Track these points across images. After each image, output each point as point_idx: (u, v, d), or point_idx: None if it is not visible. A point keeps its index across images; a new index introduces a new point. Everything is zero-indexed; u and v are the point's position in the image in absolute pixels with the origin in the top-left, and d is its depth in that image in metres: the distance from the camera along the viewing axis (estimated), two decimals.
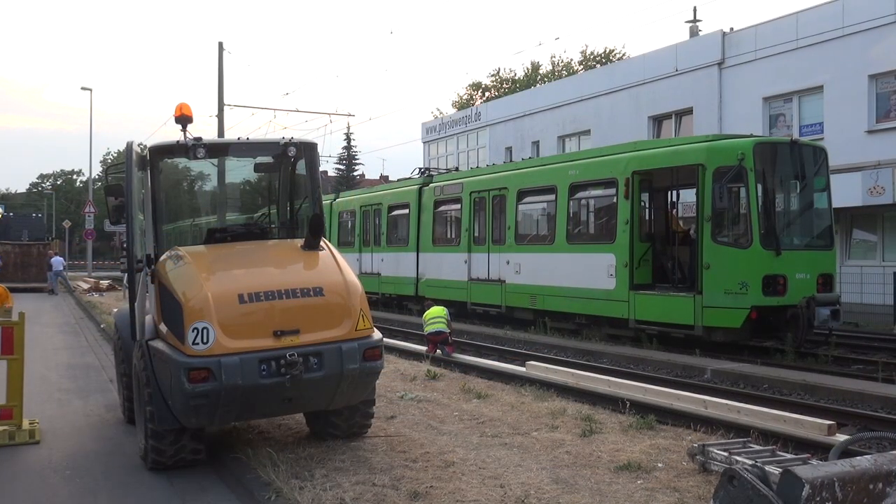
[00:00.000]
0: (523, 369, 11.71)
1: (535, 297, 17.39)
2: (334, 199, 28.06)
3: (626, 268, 14.83)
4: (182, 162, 7.81)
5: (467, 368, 12.10)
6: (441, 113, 54.70)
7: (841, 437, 7.40)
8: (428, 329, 13.60)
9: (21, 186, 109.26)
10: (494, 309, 18.86)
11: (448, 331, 13.56)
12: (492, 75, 57.71)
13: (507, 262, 18.34)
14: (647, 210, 15.65)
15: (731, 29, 24.79)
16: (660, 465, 6.01)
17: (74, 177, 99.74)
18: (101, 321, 18.94)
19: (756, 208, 13.21)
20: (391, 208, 23.75)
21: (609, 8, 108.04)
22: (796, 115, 22.52)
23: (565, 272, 16.44)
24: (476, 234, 19.76)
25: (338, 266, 6.41)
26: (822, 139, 19.92)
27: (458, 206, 20.45)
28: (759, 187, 13.42)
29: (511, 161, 29.47)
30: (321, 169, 8.73)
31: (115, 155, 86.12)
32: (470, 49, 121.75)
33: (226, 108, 28.85)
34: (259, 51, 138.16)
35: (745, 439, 6.54)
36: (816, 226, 14.44)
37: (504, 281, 18.40)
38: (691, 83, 25.50)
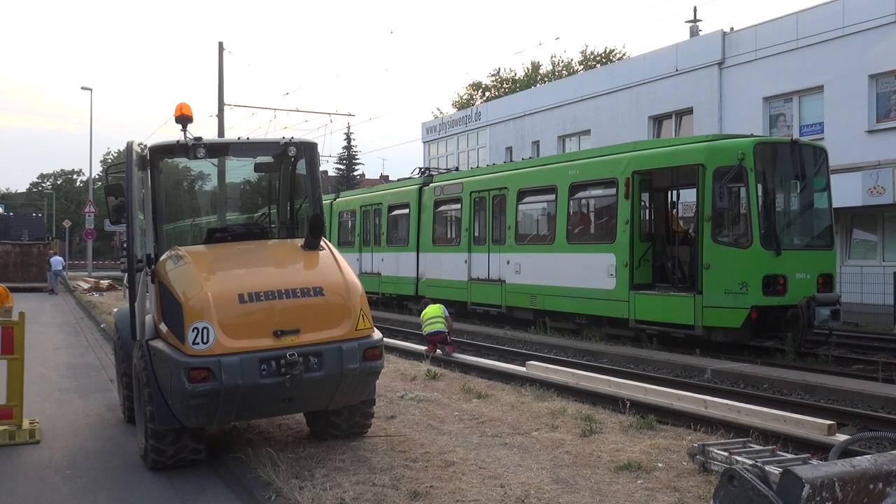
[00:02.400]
0: (523, 369, 11.72)
1: (536, 297, 17.38)
2: (334, 199, 28.04)
3: (626, 268, 14.83)
4: (182, 162, 7.82)
5: (467, 368, 12.10)
6: (441, 113, 54.71)
7: (841, 437, 7.41)
8: (426, 329, 13.60)
9: (21, 186, 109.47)
10: (494, 309, 18.86)
11: (447, 329, 13.54)
12: (492, 75, 57.70)
13: (508, 262, 18.33)
14: (647, 210, 15.65)
15: (732, 29, 24.79)
16: (660, 465, 6.01)
17: (74, 177, 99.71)
18: (101, 321, 18.94)
19: (756, 208, 13.21)
20: (391, 208, 23.74)
21: (609, 8, 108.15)
22: (796, 115, 22.51)
23: (565, 272, 16.44)
24: (476, 234, 19.76)
25: (338, 266, 6.42)
26: (822, 139, 19.93)
27: (459, 205, 20.44)
28: (760, 187, 13.42)
29: (511, 161, 29.48)
30: (321, 169, 8.72)
31: (115, 155, 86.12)
32: (470, 49, 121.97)
33: (226, 107, 28.83)
34: (259, 51, 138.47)
35: (745, 439, 6.54)
36: (816, 226, 14.44)
37: (504, 281, 18.40)
38: (691, 83, 25.50)
